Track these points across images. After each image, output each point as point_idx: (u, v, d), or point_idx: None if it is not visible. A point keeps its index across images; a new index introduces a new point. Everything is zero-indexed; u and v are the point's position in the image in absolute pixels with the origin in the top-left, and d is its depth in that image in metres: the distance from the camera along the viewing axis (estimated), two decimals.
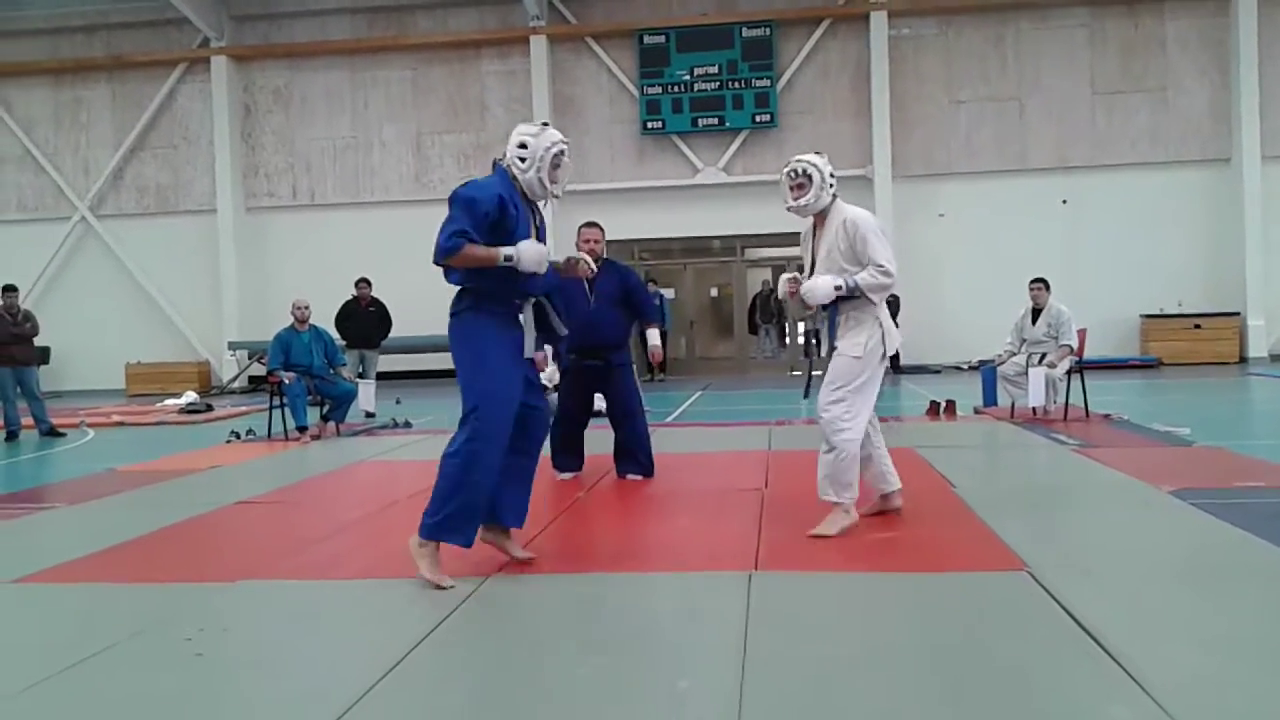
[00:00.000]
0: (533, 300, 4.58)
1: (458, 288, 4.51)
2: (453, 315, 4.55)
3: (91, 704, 3.14)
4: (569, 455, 7.20)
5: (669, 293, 20.37)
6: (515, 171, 4.54)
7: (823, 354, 5.46)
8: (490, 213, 4.35)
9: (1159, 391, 14.40)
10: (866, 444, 5.30)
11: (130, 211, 21.46)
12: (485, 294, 4.44)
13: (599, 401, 7.27)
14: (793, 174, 5.21)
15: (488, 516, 4.52)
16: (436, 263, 4.36)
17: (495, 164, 4.65)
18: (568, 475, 7.17)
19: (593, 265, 4.80)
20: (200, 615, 4.03)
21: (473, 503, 4.31)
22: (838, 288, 5.07)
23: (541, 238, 4.59)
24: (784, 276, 5.48)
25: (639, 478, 7.02)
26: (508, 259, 4.31)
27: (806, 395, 5.60)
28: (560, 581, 4.45)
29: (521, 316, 4.55)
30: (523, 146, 4.54)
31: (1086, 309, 12.90)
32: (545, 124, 4.72)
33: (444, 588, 4.22)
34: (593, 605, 4.15)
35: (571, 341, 6.01)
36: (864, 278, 5.05)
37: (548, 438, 5.15)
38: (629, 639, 3.66)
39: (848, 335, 5.20)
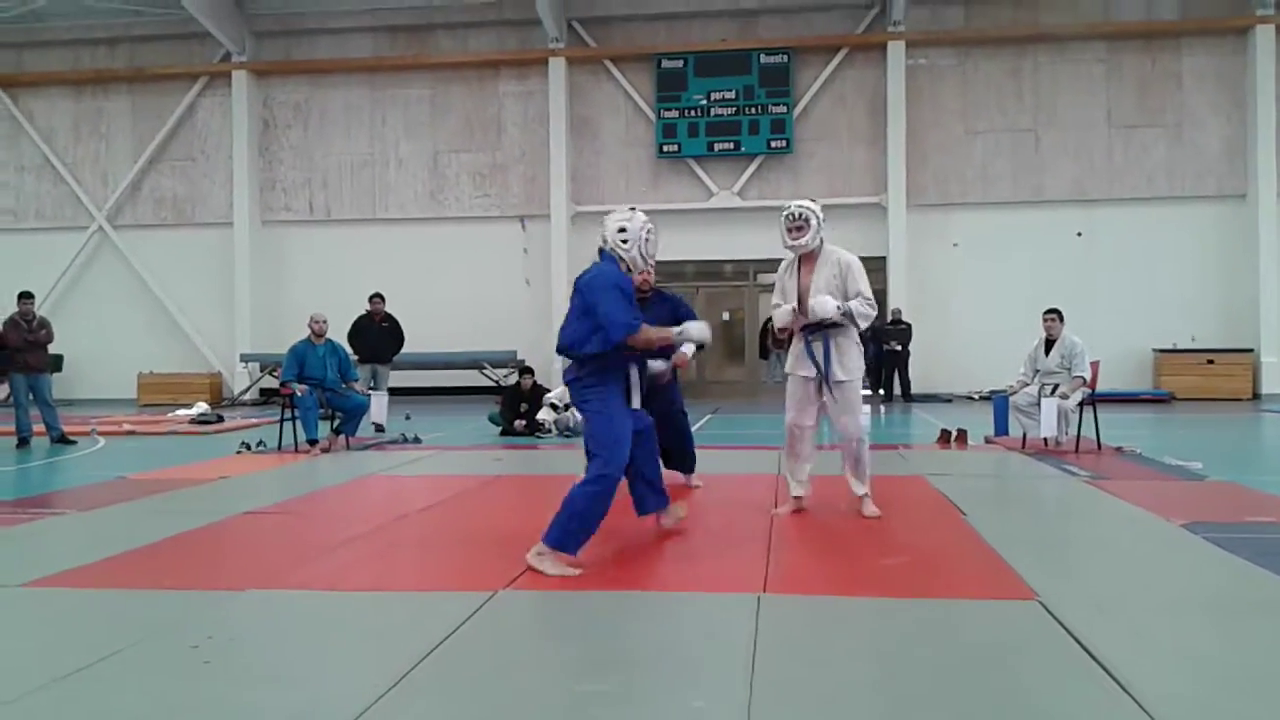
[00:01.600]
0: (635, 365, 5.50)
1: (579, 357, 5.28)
2: (580, 381, 5.31)
3: (97, 710, 3.14)
4: (650, 492, 7.27)
5: None
6: (620, 252, 5.39)
7: (805, 373, 6.28)
8: (631, 294, 5.32)
9: (1171, 426, 14.33)
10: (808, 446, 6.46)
11: (147, 222, 21.59)
12: (610, 363, 5.28)
13: None
14: (791, 217, 6.01)
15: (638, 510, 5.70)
16: (616, 340, 5.13)
17: (601, 251, 5.45)
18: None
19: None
20: (208, 623, 4.03)
21: (592, 524, 5.07)
22: (838, 307, 5.91)
23: None
24: (785, 309, 6.19)
25: (690, 476, 7.73)
26: (679, 333, 5.50)
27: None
28: (569, 598, 4.44)
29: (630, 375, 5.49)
30: (622, 230, 5.42)
31: (1099, 341, 12.87)
32: (633, 208, 5.63)
33: (578, 570, 4.85)
34: (601, 623, 4.14)
35: None
36: (856, 305, 5.96)
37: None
38: (636, 658, 3.64)
39: (845, 361, 6.11)
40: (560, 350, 5.37)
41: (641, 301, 7.19)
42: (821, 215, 6.02)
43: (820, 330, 6.06)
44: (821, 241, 6.07)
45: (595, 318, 5.13)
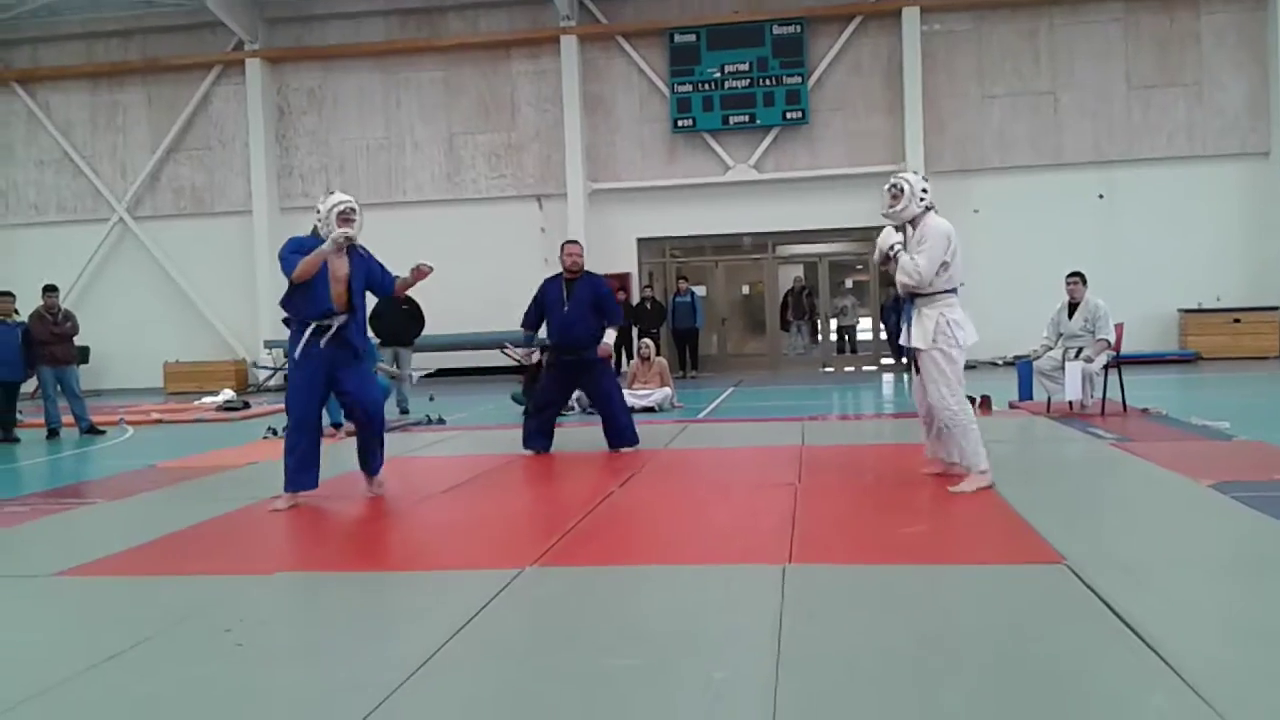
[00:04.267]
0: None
1: None
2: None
3: (133, 694, 3.18)
4: (541, 437, 8.46)
5: (700, 290, 20.35)
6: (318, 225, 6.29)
7: (902, 339, 6.47)
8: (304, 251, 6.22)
9: (1197, 386, 14.23)
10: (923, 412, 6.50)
11: (167, 213, 21.69)
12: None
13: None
14: (892, 188, 6.23)
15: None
16: (286, 273, 6.22)
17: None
18: (535, 452, 8.41)
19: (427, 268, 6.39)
20: (239, 607, 4.08)
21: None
22: (892, 246, 6.21)
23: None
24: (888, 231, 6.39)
25: (630, 449, 8.26)
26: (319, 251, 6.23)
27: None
28: (595, 573, 4.46)
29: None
30: (318, 211, 6.31)
31: (1124, 303, 12.76)
32: (331, 191, 6.49)
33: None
34: (627, 597, 4.16)
35: (552, 340, 8.35)
36: (903, 258, 6.14)
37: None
38: (663, 631, 3.66)
39: (920, 327, 6.22)
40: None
41: (569, 281, 8.30)
42: (920, 187, 6.16)
43: (910, 298, 6.29)
44: (925, 209, 6.19)
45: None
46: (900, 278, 6.16)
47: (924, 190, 6.17)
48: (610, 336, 8.47)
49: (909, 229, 6.27)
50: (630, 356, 16.59)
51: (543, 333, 8.66)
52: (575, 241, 8.60)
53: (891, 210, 6.22)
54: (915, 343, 6.22)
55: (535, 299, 8.50)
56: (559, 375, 8.49)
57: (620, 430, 8.38)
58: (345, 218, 6.18)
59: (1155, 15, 18.80)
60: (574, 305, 8.23)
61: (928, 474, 6.57)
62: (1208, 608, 3.68)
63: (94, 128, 21.91)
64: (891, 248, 6.20)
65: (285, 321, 6.42)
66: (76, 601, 4.42)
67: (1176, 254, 18.36)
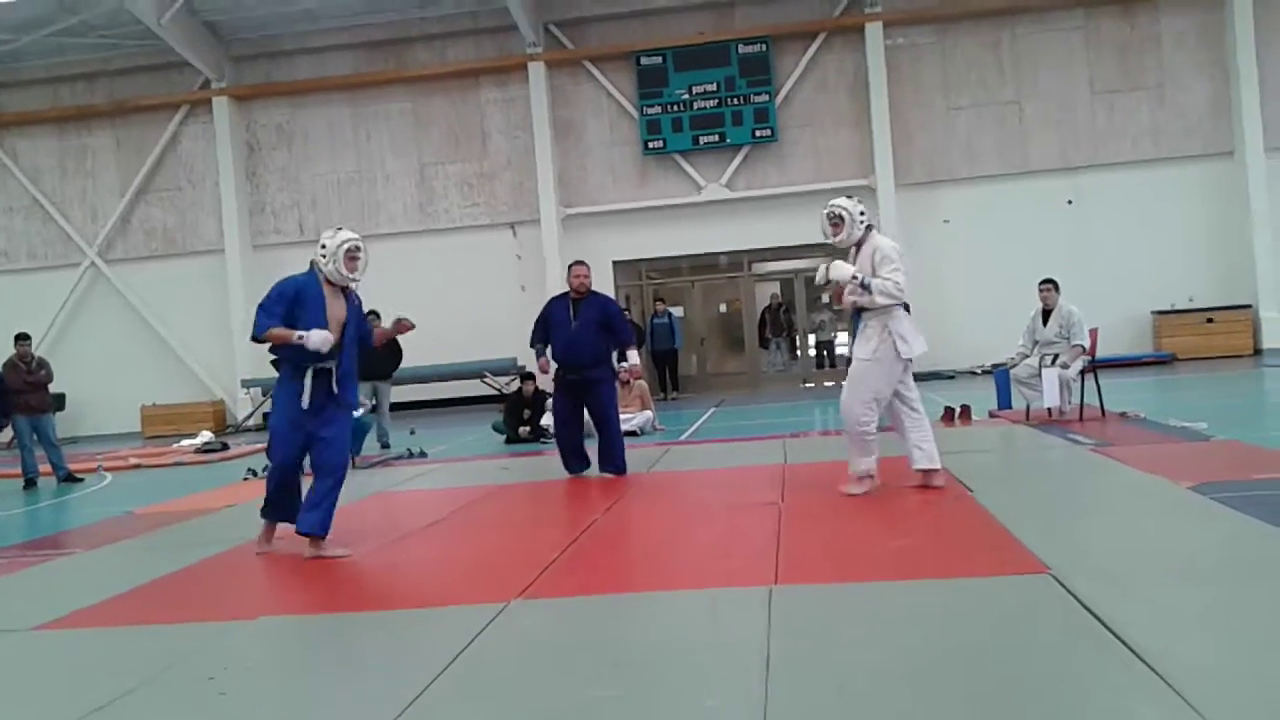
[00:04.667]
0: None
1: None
2: None
3: None
4: (574, 458, 8.58)
5: (678, 311, 20.38)
6: (320, 265, 6.10)
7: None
8: (291, 299, 6.08)
9: (1174, 387, 14.33)
10: (899, 425, 6.63)
11: (139, 255, 21.56)
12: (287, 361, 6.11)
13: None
14: (829, 216, 6.48)
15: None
16: (253, 336, 6.15)
17: (311, 263, 6.18)
18: (579, 475, 8.53)
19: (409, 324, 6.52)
20: (223, 654, 4.03)
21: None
22: (854, 276, 6.26)
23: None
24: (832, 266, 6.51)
25: (612, 475, 8.31)
26: (300, 337, 5.89)
27: None
28: (581, 604, 4.44)
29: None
30: (323, 246, 6.07)
31: (1097, 308, 12.85)
32: (339, 228, 6.22)
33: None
34: (614, 626, 4.14)
35: (557, 358, 8.45)
36: (876, 281, 6.25)
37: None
38: (652, 658, 3.64)
39: (863, 341, 6.41)
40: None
41: (576, 301, 8.39)
42: (858, 210, 6.46)
43: (859, 313, 6.52)
44: (868, 230, 6.48)
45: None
46: (881, 300, 6.28)
47: (861, 212, 6.48)
48: (633, 357, 8.74)
49: (853, 251, 6.54)
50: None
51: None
52: (582, 263, 8.72)
53: (837, 239, 6.46)
54: (858, 354, 6.47)
55: (541, 318, 8.63)
56: (565, 394, 8.52)
57: (612, 454, 8.41)
58: (352, 256, 6.05)
59: (1116, 21, 19.03)
60: (581, 324, 8.32)
61: (911, 485, 6.63)
62: (1192, 613, 3.69)
63: (63, 172, 21.80)
64: (855, 278, 6.31)
65: (275, 364, 6.29)
66: (56, 656, 4.36)
67: (1147, 256, 18.51)
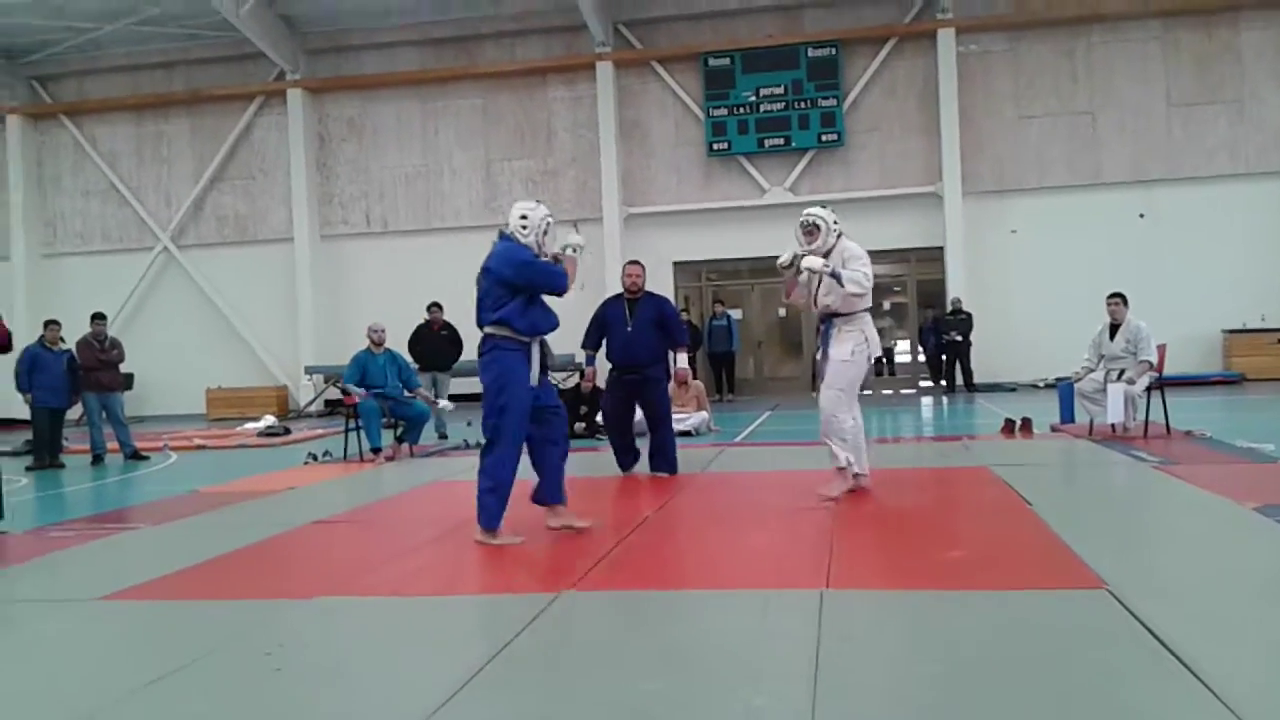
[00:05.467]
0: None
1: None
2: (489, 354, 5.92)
3: (174, 717, 3.22)
4: (625, 454, 8.62)
5: (736, 313, 20.34)
6: (519, 237, 5.86)
7: (819, 358, 6.92)
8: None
9: (1242, 408, 14.01)
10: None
11: (210, 241, 22.03)
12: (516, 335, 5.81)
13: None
14: (803, 225, 6.72)
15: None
16: (565, 288, 5.90)
17: (501, 234, 5.95)
18: (631, 471, 8.54)
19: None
20: (278, 631, 4.11)
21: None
22: (825, 266, 6.50)
23: None
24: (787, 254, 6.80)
25: (665, 474, 8.25)
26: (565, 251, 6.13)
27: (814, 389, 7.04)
28: (633, 598, 4.46)
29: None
30: (524, 217, 5.87)
31: (1166, 324, 12.58)
32: (538, 202, 6.06)
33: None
34: (664, 621, 4.15)
35: (614, 359, 8.44)
36: (846, 272, 6.49)
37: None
38: (701, 655, 3.65)
39: (840, 344, 6.69)
40: (481, 322, 5.90)
41: (631, 301, 8.35)
42: (832, 220, 6.71)
43: (828, 319, 6.77)
44: (839, 237, 6.73)
45: (522, 285, 5.73)
46: (851, 289, 6.53)
47: (835, 221, 6.74)
48: (682, 360, 8.80)
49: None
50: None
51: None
52: (637, 262, 8.71)
53: (812, 246, 6.68)
54: (835, 355, 6.69)
55: (596, 319, 8.59)
56: (620, 394, 8.50)
57: (665, 454, 8.38)
58: (548, 230, 5.95)
59: (1194, 32, 18.66)
60: (637, 325, 8.33)
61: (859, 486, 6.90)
62: (1250, 632, 3.62)
63: (139, 159, 22.32)
64: (826, 268, 6.52)
65: (490, 337, 5.84)
66: (120, 625, 4.48)
67: (1219, 273, 18.12)
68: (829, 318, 6.77)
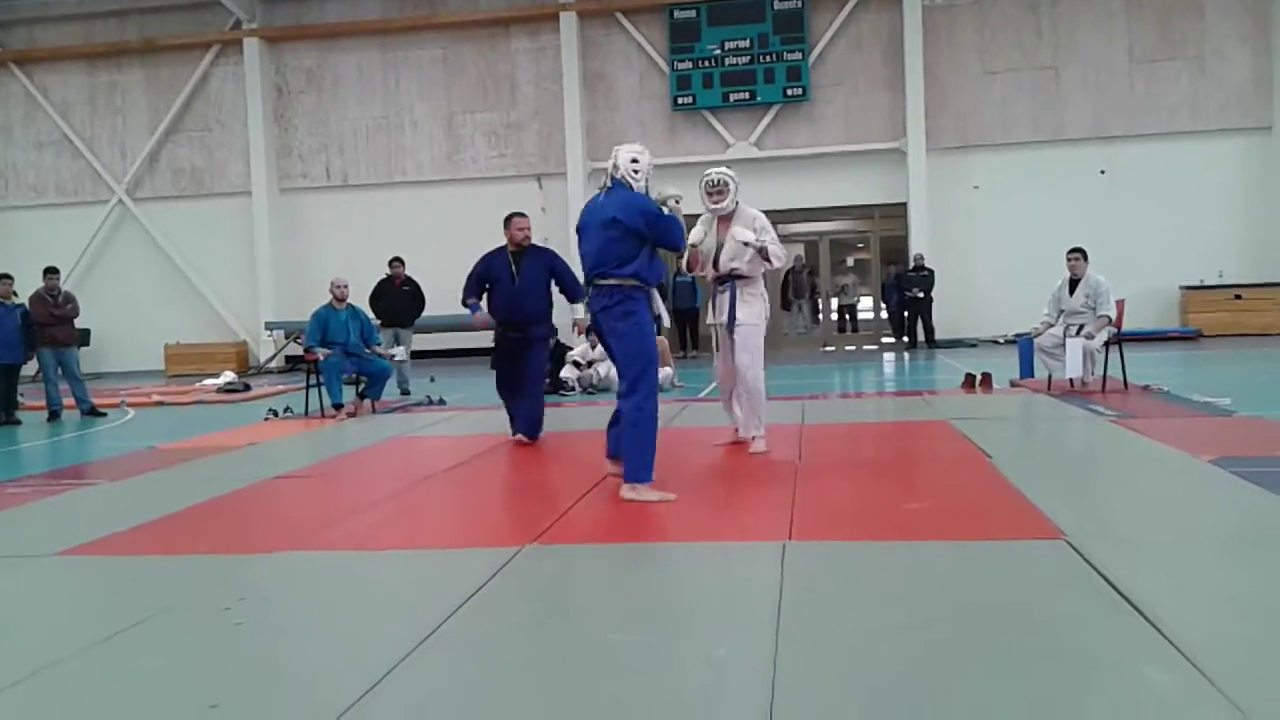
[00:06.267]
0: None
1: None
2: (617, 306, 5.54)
3: (133, 672, 3.19)
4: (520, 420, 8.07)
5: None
6: (630, 181, 5.63)
7: (719, 321, 6.93)
8: None
9: (1199, 363, 14.21)
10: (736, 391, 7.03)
11: (166, 194, 21.67)
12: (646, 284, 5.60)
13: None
14: (710, 183, 6.77)
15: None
16: (679, 248, 5.79)
17: (614, 179, 5.66)
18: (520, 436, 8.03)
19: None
20: (239, 586, 4.08)
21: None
22: (757, 240, 6.58)
23: None
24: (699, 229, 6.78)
25: (525, 439, 7.92)
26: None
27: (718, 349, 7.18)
28: (594, 551, 4.46)
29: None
30: (635, 161, 5.65)
31: (1125, 280, 12.72)
32: (641, 147, 5.81)
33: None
34: (627, 574, 4.16)
35: (498, 315, 7.96)
36: (773, 248, 6.66)
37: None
38: (663, 607, 3.67)
39: (748, 309, 6.77)
40: (600, 275, 5.51)
41: (515, 255, 7.94)
42: (735, 181, 6.78)
43: (728, 280, 6.81)
44: (737, 204, 6.80)
45: (648, 236, 5.47)
46: (776, 264, 6.77)
47: (738, 185, 6.84)
48: (579, 312, 8.37)
49: (717, 226, 6.87)
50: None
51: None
52: (524, 215, 8.22)
53: (718, 205, 6.74)
54: (745, 319, 6.75)
55: (477, 273, 8.08)
56: (506, 353, 8.03)
57: (533, 414, 7.98)
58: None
59: None
60: (524, 280, 7.91)
61: (720, 444, 7.14)
62: (1206, 582, 3.67)
63: (92, 109, 21.86)
64: (758, 241, 6.59)
65: (618, 288, 5.50)
66: (77, 581, 4.43)
67: (1178, 230, 18.31)
68: (728, 280, 6.79)
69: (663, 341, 13.24)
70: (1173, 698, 2.60)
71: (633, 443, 5.39)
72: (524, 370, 8.02)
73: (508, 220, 8.15)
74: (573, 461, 7.33)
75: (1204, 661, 2.81)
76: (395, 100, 20.92)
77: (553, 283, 8.09)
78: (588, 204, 5.79)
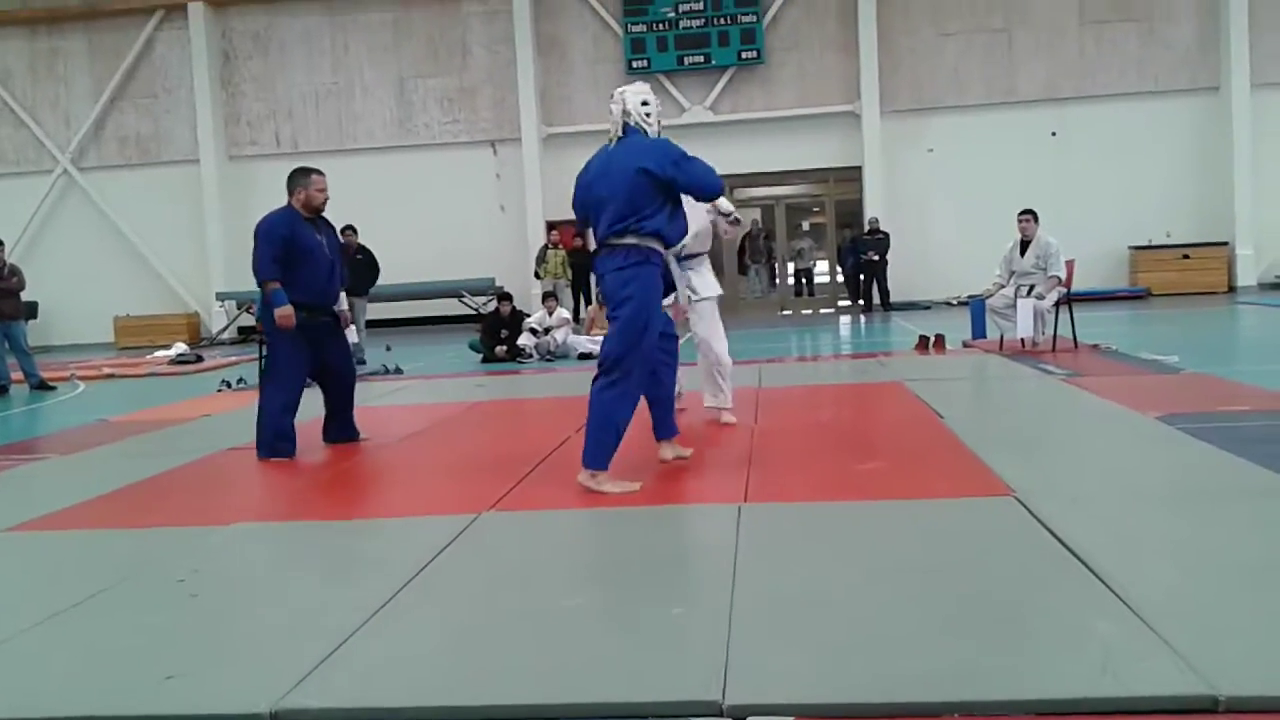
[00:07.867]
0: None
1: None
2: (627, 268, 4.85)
3: (87, 644, 3.16)
4: (287, 439, 6.36)
5: None
6: (644, 126, 5.00)
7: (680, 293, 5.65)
8: None
9: (1147, 322, 14.44)
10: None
11: (113, 163, 21.23)
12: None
13: None
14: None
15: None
16: (720, 189, 5.16)
17: (627, 127, 4.97)
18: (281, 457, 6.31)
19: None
20: (193, 558, 4.05)
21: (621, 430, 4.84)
22: (733, 210, 6.50)
23: None
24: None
25: (346, 443, 6.67)
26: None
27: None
28: (551, 517, 4.48)
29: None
30: (645, 104, 5.01)
31: (1075, 241, 12.87)
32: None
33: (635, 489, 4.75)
34: (584, 539, 4.19)
35: (304, 298, 6.32)
36: (733, 217, 6.55)
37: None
38: (620, 570, 3.70)
39: (703, 278, 6.66)
40: (618, 234, 4.82)
41: (312, 223, 6.52)
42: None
43: (681, 261, 6.32)
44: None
45: (681, 184, 4.87)
46: (727, 239, 7.03)
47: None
48: (726, 206, 6.45)
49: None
50: (589, 302, 16.54)
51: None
52: (321, 172, 6.71)
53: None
54: (707, 293, 6.60)
55: (280, 240, 6.36)
56: (306, 343, 6.42)
57: (349, 415, 6.79)
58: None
59: None
60: (331, 255, 6.60)
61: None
62: (1153, 537, 3.76)
63: (34, 76, 21.34)
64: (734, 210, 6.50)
65: (635, 249, 4.83)
66: (29, 556, 4.37)
67: (1127, 190, 18.53)
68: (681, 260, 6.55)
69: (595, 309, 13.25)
70: (1119, 649, 2.67)
71: (593, 425, 4.77)
72: (338, 364, 6.69)
73: (303, 176, 6.58)
74: (530, 428, 7.34)
75: (1149, 613, 2.88)
76: (344, 65, 20.61)
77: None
78: (595, 157, 5.06)
